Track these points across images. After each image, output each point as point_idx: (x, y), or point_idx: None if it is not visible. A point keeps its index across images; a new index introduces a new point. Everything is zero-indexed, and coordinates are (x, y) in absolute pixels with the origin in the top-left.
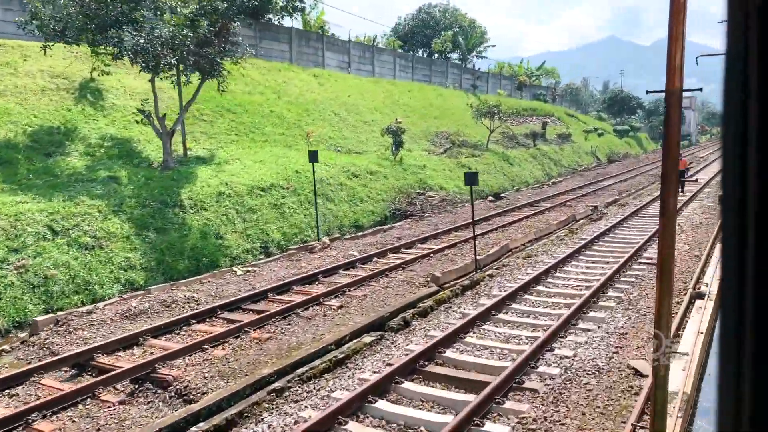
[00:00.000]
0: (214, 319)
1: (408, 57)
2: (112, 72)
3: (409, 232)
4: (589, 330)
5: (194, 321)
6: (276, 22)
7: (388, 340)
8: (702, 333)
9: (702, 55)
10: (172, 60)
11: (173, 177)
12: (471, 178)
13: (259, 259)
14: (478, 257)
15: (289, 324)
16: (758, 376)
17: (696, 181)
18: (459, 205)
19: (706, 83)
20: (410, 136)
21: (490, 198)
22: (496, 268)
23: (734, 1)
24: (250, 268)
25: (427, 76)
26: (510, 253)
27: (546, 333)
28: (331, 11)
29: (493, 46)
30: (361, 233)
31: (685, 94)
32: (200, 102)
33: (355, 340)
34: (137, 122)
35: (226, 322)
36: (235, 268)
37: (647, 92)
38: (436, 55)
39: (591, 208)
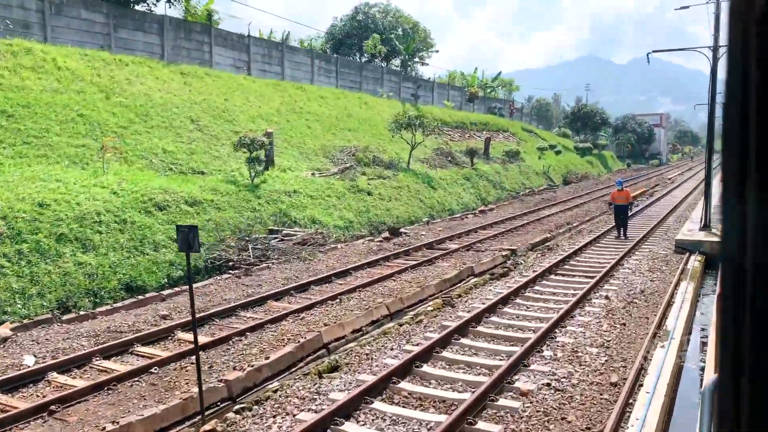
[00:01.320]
0: None
1: (331, 59)
2: None
3: (196, 303)
4: None
5: None
6: (145, 8)
7: None
8: None
9: (653, 52)
10: None
11: None
12: (186, 241)
13: None
14: (216, 386)
15: None
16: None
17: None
18: (331, 246)
19: (681, 104)
20: (301, 151)
21: (384, 235)
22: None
23: (735, 13)
24: None
25: (356, 83)
26: (297, 367)
27: None
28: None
29: (437, 51)
30: (103, 308)
31: (655, 111)
32: None
33: None
34: None
35: None
36: None
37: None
38: (375, 60)
39: (506, 253)
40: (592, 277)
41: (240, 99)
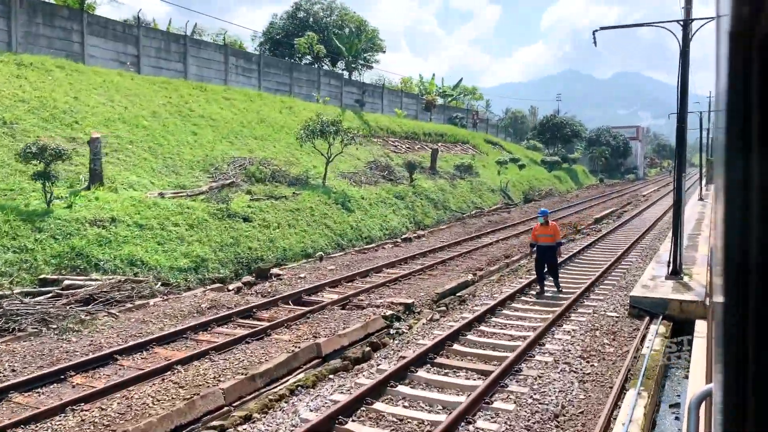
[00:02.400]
0: None
1: (252, 58)
2: None
3: None
4: None
5: None
6: None
7: None
8: None
9: (601, 29)
10: None
11: None
12: None
13: None
14: None
15: None
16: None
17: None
18: (140, 303)
19: (661, 118)
20: (168, 163)
21: (246, 279)
22: None
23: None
24: None
25: (285, 86)
26: None
27: None
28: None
29: (383, 52)
30: None
31: (631, 123)
32: None
33: None
34: None
35: None
36: None
37: None
38: (323, 63)
39: (393, 311)
40: (486, 375)
41: (101, 98)
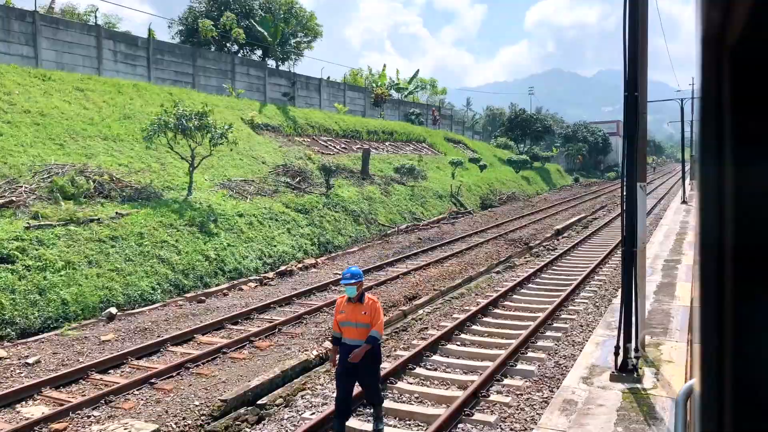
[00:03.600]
0: None
1: (138, 41)
2: None
3: None
4: None
5: None
6: None
7: None
8: None
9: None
10: None
11: None
12: None
13: None
14: None
15: None
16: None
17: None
18: None
19: (648, 114)
20: None
21: None
22: None
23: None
24: None
25: (188, 76)
26: None
27: None
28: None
29: (315, 37)
30: None
31: (603, 115)
32: None
33: None
34: None
35: None
36: None
37: None
38: (256, 53)
39: None
40: None
41: None
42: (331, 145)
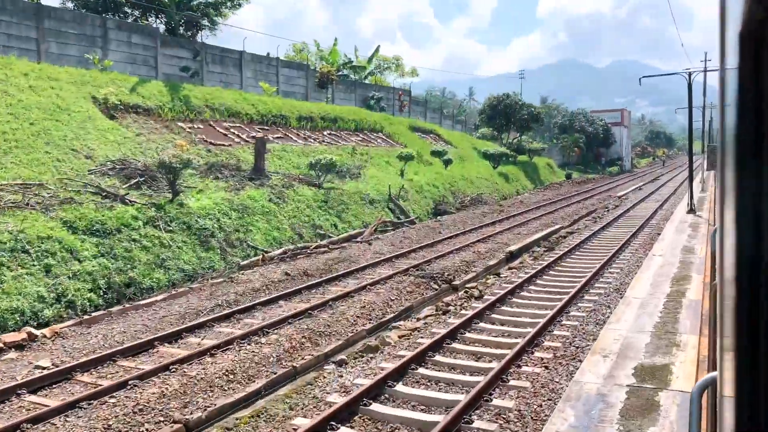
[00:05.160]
0: None
1: None
2: None
3: None
4: None
5: None
6: None
7: None
8: None
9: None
10: None
11: None
12: None
13: None
14: None
15: None
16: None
17: None
18: None
19: (659, 106)
20: None
21: None
22: None
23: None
24: None
25: (30, 41)
26: None
27: None
28: None
29: (239, 5)
30: None
31: (615, 107)
32: None
33: None
34: None
35: None
36: None
37: None
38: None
39: None
40: None
41: None
42: (235, 133)
